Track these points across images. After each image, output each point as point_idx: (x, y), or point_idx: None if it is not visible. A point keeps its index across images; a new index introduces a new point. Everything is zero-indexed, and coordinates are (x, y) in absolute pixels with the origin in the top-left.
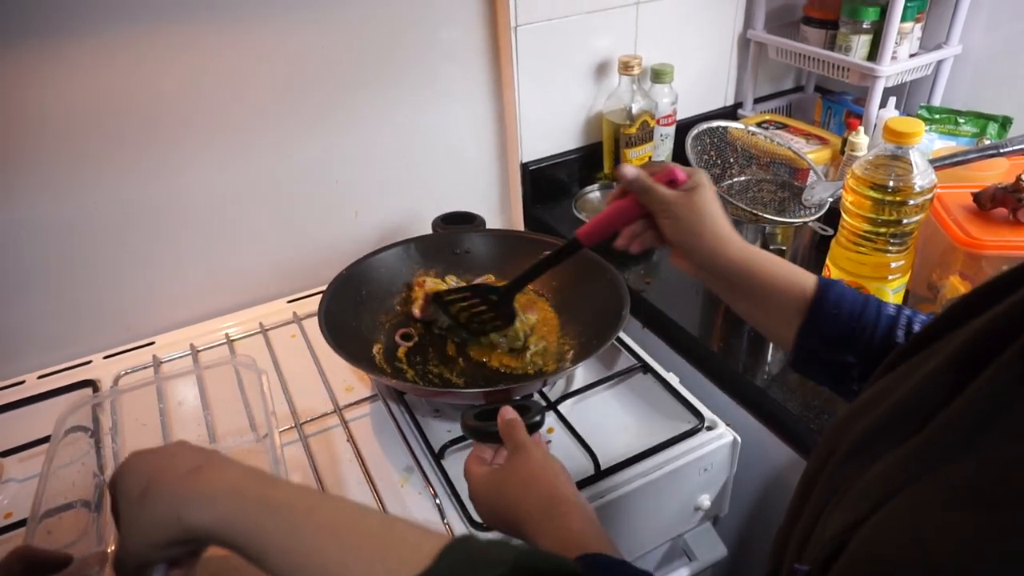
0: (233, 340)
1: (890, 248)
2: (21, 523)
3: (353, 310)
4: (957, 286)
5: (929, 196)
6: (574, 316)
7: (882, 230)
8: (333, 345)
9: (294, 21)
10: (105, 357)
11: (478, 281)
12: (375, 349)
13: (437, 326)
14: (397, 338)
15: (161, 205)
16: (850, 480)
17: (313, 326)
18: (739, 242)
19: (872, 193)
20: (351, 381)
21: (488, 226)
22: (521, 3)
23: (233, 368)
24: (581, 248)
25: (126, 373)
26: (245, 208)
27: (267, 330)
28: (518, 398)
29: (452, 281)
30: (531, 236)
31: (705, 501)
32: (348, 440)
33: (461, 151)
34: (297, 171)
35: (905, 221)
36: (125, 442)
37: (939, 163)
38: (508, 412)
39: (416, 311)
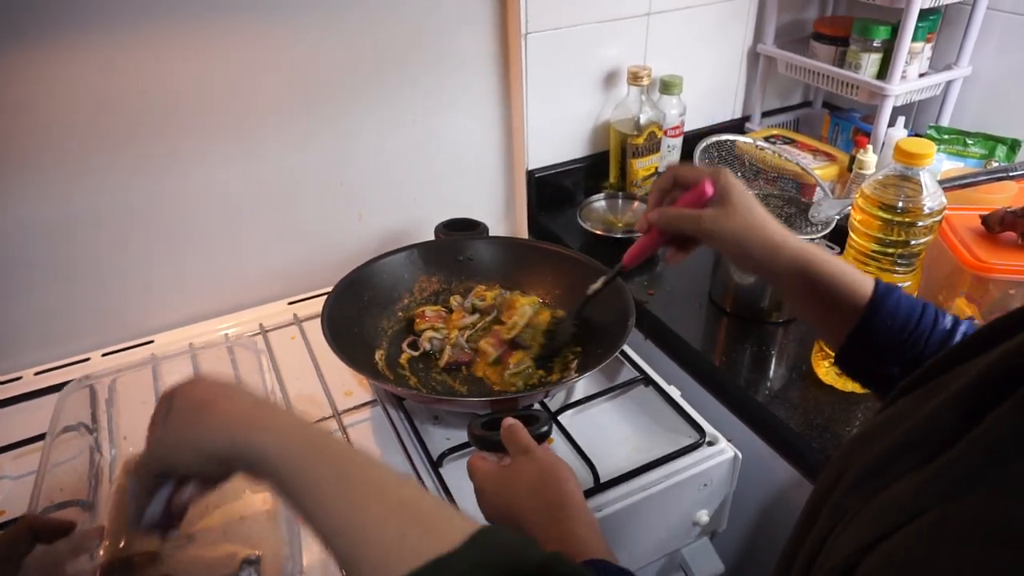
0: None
1: (897, 268)
2: (15, 521)
3: (356, 315)
4: (963, 308)
5: (938, 218)
6: (579, 326)
7: (890, 250)
8: (337, 351)
9: (305, 24)
10: (103, 355)
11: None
12: (378, 355)
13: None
14: (404, 346)
15: (164, 204)
16: (859, 504)
17: (313, 328)
18: (793, 244)
19: (881, 213)
20: (350, 385)
21: (491, 233)
22: (531, 11)
23: (227, 349)
24: (624, 270)
25: (124, 371)
26: (248, 208)
27: (267, 331)
28: (522, 408)
29: (456, 303)
30: (535, 244)
31: (704, 516)
32: None
33: (467, 157)
34: (302, 172)
35: (913, 242)
36: (121, 433)
37: (948, 184)
38: (508, 420)
39: (441, 363)
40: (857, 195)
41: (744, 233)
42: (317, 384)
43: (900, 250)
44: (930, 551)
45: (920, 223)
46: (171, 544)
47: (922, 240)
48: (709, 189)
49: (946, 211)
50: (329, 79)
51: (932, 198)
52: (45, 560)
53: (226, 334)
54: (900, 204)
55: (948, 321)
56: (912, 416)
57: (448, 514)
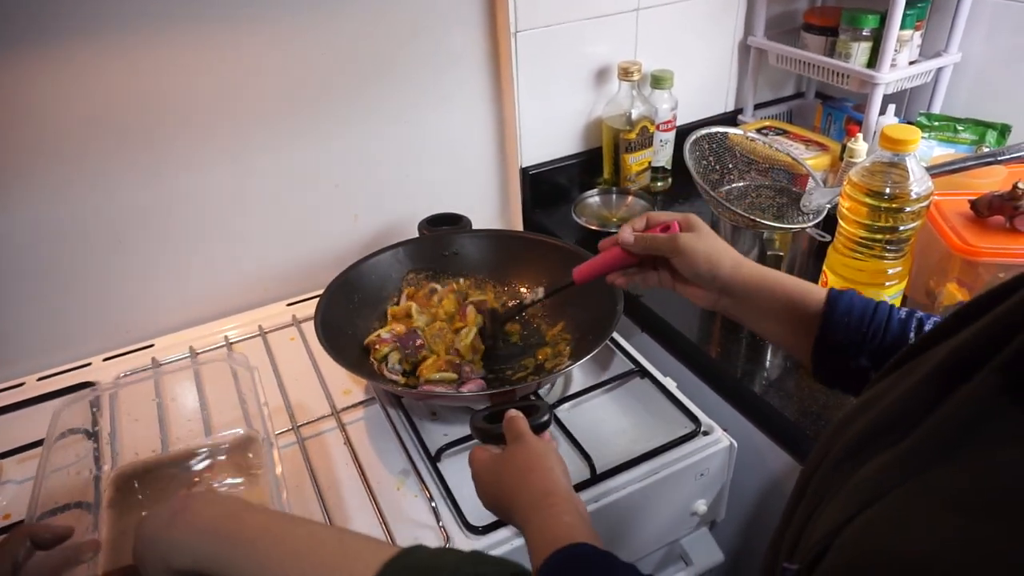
0: (232, 343)
1: (887, 255)
2: (20, 524)
3: (348, 317)
4: (954, 293)
5: (925, 203)
6: (570, 316)
7: (878, 237)
8: (332, 354)
9: (297, 26)
10: (105, 359)
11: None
12: (372, 354)
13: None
14: (383, 369)
15: (161, 208)
16: (839, 483)
17: (311, 329)
18: (751, 263)
19: (868, 200)
20: (348, 384)
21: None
22: (521, 9)
23: (228, 366)
24: (573, 285)
25: (125, 375)
26: (245, 211)
27: (266, 333)
28: (521, 398)
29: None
30: (518, 234)
31: (701, 506)
32: (345, 443)
33: (461, 155)
34: (297, 174)
35: (901, 228)
36: (123, 441)
37: (937, 170)
38: (512, 412)
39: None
40: (845, 183)
41: (713, 252)
42: (316, 384)
43: (889, 236)
44: (902, 520)
45: (908, 208)
46: None
47: (910, 225)
48: (676, 227)
49: (935, 196)
50: (323, 80)
51: (919, 183)
52: (42, 569)
53: (226, 336)
54: (887, 190)
55: (902, 313)
56: (890, 395)
57: (365, 556)
